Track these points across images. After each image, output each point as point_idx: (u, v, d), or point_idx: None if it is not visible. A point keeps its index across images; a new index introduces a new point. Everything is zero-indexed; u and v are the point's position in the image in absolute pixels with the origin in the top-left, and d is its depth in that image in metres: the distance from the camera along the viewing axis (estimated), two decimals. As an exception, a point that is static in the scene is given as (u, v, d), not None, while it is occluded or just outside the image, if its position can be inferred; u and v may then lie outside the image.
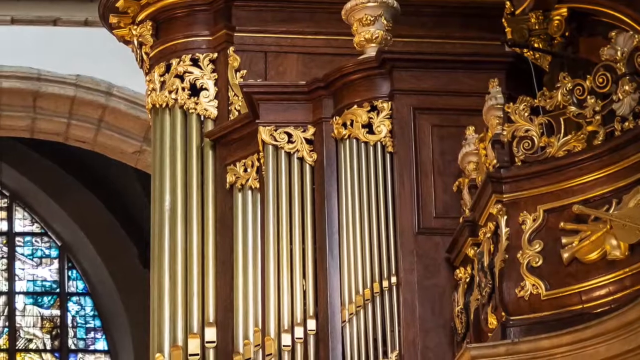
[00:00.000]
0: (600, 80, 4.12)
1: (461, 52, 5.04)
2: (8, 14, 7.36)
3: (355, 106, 4.89)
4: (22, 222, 10.71)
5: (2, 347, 10.39)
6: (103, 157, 7.97)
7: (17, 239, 10.66)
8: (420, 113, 4.83)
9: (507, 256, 4.13)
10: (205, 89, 5.35)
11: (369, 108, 4.88)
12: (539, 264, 4.09)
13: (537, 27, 4.81)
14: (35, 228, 10.71)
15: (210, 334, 5.08)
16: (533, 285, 4.07)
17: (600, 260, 4.00)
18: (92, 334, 10.56)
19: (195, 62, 5.37)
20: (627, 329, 3.84)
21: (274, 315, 4.82)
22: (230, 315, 5.05)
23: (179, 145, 5.31)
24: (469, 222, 4.49)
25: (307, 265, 4.85)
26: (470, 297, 4.49)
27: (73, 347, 10.52)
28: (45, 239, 10.71)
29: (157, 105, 5.41)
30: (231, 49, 5.34)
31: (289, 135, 4.99)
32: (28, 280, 10.60)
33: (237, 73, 5.32)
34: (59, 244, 10.69)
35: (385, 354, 4.64)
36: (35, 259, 10.66)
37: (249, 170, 5.17)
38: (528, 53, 4.84)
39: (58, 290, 10.62)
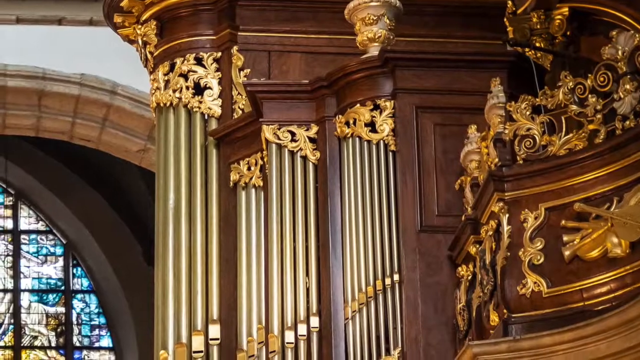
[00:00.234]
0: (602, 79, 4.13)
1: (463, 51, 5.05)
2: (13, 14, 7.39)
3: (358, 105, 4.91)
4: (28, 220, 10.74)
5: (7, 344, 10.42)
6: (108, 156, 8.00)
7: (22, 236, 10.69)
8: (422, 112, 4.84)
9: (508, 254, 4.15)
10: (209, 87, 5.37)
11: (371, 107, 4.89)
12: (540, 261, 4.10)
13: (538, 26, 4.83)
14: (41, 226, 10.75)
15: (214, 331, 5.09)
16: (534, 282, 4.08)
17: (602, 258, 4.01)
18: (96, 331, 10.59)
19: (199, 61, 5.38)
20: (628, 326, 3.85)
21: (278, 313, 4.83)
22: (234, 312, 5.07)
23: (183, 144, 5.33)
24: (471, 220, 4.50)
25: (310, 263, 4.86)
26: (472, 294, 4.50)
27: (78, 344, 10.56)
28: (50, 236, 10.75)
29: (162, 104, 5.43)
30: (235, 48, 5.35)
31: (292, 133, 5.00)
32: (33, 278, 10.63)
33: (241, 72, 5.34)
34: (64, 241, 10.73)
35: (387, 351, 4.65)
36: (40, 257, 10.70)
37: (252, 168, 5.19)
38: (530, 52, 4.85)
39: (63, 287, 10.65)
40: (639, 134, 4.01)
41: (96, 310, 10.63)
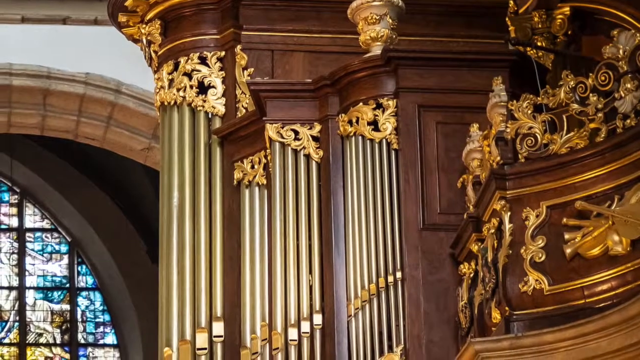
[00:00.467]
0: (603, 78, 4.14)
1: (465, 50, 5.06)
2: (18, 13, 7.41)
3: (361, 104, 4.93)
4: (33, 218, 10.77)
5: (12, 341, 10.45)
6: (112, 154, 8.01)
7: (27, 234, 10.71)
8: (425, 110, 4.86)
9: (510, 252, 4.16)
10: (213, 86, 5.39)
11: (374, 105, 4.91)
12: (542, 259, 4.11)
13: (540, 25, 4.85)
14: (46, 224, 10.77)
15: (218, 328, 5.11)
16: (536, 280, 4.10)
17: (603, 255, 4.03)
18: (101, 329, 10.61)
19: (203, 61, 5.40)
20: (628, 324, 3.87)
21: (281, 310, 4.85)
22: (238, 310, 5.09)
23: (187, 143, 5.35)
24: (473, 218, 4.52)
25: (314, 260, 4.88)
26: (474, 292, 4.51)
27: (83, 341, 10.58)
28: (55, 234, 10.77)
29: (166, 103, 5.46)
30: (238, 47, 5.37)
31: (296, 132, 5.02)
32: (38, 276, 10.66)
33: (245, 71, 5.36)
34: (69, 239, 10.75)
35: (390, 348, 4.67)
36: (45, 255, 10.72)
37: (256, 167, 5.22)
38: (531, 51, 4.86)
39: (68, 285, 10.68)
40: (640, 132, 4.03)
41: (101, 308, 10.66)
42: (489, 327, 4.34)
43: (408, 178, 4.79)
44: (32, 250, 10.71)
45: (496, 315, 4.26)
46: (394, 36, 5.00)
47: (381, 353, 4.69)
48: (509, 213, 4.20)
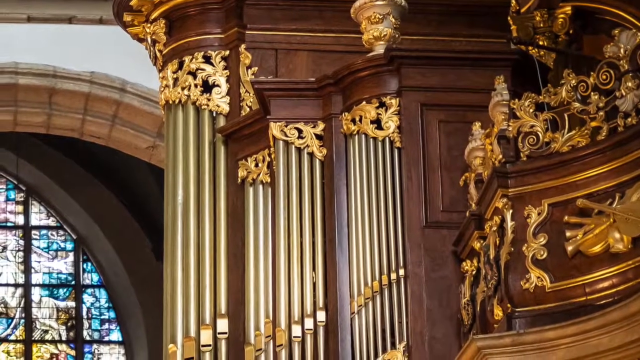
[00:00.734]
0: (604, 77, 4.15)
1: (468, 49, 5.07)
2: (24, 12, 7.44)
3: (364, 102, 4.95)
4: (38, 216, 10.80)
5: (18, 338, 10.49)
6: (117, 153, 8.04)
7: (33, 232, 10.74)
8: (427, 109, 4.88)
9: (512, 249, 4.17)
10: (217, 85, 5.41)
11: (377, 104, 4.93)
12: (543, 256, 4.12)
13: (542, 25, 4.86)
14: (51, 222, 10.81)
15: (222, 325, 5.13)
16: (538, 277, 4.11)
17: (604, 253, 4.04)
18: (106, 325, 10.65)
19: (207, 60, 5.42)
20: (629, 320, 3.88)
21: (285, 307, 4.88)
22: (242, 306, 5.11)
23: (191, 141, 5.37)
24: (475, 215, 4.53)
25: (317, 258, 4.90)
26: (477, 289, 4.52)
27: (88, 338, 10.62)
28: (61, 232, 10.80)
29: (170, 102, 5.48)
30: (243, 46, 5.39)
31: (299, 130, 5.05)
32: (44, 273, 10.69)
33: (249, 70, 5.38)
34: (74, 237, 10.78)
35: (393, 345, 4.70)
36: (51, 252, 10.76)
37: (260, 165, 5.24)
38: (533, 50, 4.88)
39: (73, 282, 10.71)
40: (641, 131, 4.05)
41: (106, 305, 10.69)
42: (491, 324, 4.35)
43: (411, 176, 4.81)
44: (38, 247, 10.75)
45: (498, 312, 4.28)
46: (397, 35, 5.02)
47: (384, 350, 4.71)
48: (511, 211, 4.21)
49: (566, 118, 4.21)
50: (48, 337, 10.56)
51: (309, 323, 4.85)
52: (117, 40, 6.61)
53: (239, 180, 5.28)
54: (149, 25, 5.59)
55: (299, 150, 5.04)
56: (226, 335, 5.13)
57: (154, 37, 5.57)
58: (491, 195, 4.34)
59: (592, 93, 4.18)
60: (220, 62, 5.42)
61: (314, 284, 4.89)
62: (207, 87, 5.42)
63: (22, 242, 10.71)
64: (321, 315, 4.85)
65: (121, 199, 10.61)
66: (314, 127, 5.05)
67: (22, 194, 10.79)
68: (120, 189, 10.61)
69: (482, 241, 4.52)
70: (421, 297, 4.70)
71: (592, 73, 4.20)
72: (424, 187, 4.80)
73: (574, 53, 4.80)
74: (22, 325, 10.52)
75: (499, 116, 4.35)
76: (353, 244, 4.84)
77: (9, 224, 10.75)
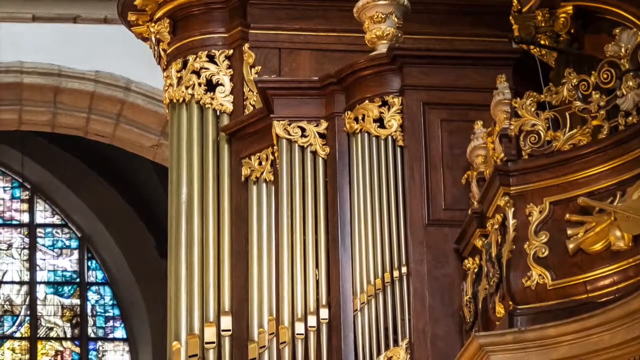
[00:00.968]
0: (605, 76, 4.17)
1: (469, 48, 5.08)
2: (29, 12, 7.47)
3: (367, 101, 4.97)
4: (43, 214, 10.84)
5: (23, 335, 10.52)
6: (122, 151, 8.08)
7: (38, 230, 10.78)
8: (430, 108, 4.90)
9: (514, 247, 4.18)
10: (221, 84, 5.44)
11: (380, 103, 4.95)
12: (545, 254, 4.14)
13: (543, 24, 4.88)
14: (56, 219, 10.84)
15: (226, 322, 5.16)
16: (539, 275, 4.12)
17: (605, 251, 4.05)
18: (111, 323, 10.68)
19: (211, 59, 5.45)
20: (630, 318, 3.89)
21: (288, 305, 4.90)
22: (245, 304, 5.13)
23: (195, 139, 5.39)
24: (477, 214, 4.54)
25: (320, 255, 4.93)
26: (479, 286, 4.54)
27: (93, 335, 10.65)
28: (66, 230, 10.83)
29: (174, 101, 5.51)
30: (246, 45, 5.42)
31: (303, 129, 5.07)
32: (49, 271, 10.73)
33: (252, 69, 5.40)
34: (79, 235, 10.82)
35: (395, 342, 4.71)
36: (55, 250, 10.79)
37: (263, 163, 5.27)
38: (534, 50, 4.89)
39: (78, 280, 10.74)
40: (642, 129, 4.06)
41: (110, 302, 10.72)
42: (493, 321, 4.37)
43: (413, 174, 4.83)
44: (43, 245, 10.78)
45: (500, 310, 4.29)
46: (400, 35, 5.04)
47: (387, 347, 4.73)
48: (512, 209, 4.23)
49: (567, 117, 4.23)
50: (53, 334, 10.60)
51: (312, 320, 4.88)
52: (121, 40, 6.63)
53: (243, 178, 5.31)
54: (153, 24, 5.61)
55: (302, 148, 5.06)
56: (230, 333, 5.15)
57: (158, 36, 5.60)
58: (493, 194, 4.36)
59: (593, 92, 4.19)
60: (224, 61, 5.45)
61: (317, 282, 4.91)
62: (211, 86, 5.45)
63: (27, 240, 10.75)
64: (324, 313, 4.87)
65: (125, 197, 10.63)
66: (317, 125, 5.07)
67: (27, 192, 10.83)
68: (124, 188, 10.64)
69: (484, 239, 4.53)
70: (423, 295, 4.72)
71: (593, 72, 4.22)
72: (426, 186, 4.82)
73: (575, 52, 4.81)
74: (27, 323, 10.55)
75: (500, 115, 4.37)
76: (356, 241, 4.86)
77: (14, 222, 10.79)
